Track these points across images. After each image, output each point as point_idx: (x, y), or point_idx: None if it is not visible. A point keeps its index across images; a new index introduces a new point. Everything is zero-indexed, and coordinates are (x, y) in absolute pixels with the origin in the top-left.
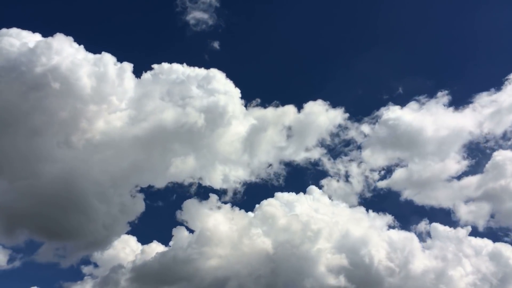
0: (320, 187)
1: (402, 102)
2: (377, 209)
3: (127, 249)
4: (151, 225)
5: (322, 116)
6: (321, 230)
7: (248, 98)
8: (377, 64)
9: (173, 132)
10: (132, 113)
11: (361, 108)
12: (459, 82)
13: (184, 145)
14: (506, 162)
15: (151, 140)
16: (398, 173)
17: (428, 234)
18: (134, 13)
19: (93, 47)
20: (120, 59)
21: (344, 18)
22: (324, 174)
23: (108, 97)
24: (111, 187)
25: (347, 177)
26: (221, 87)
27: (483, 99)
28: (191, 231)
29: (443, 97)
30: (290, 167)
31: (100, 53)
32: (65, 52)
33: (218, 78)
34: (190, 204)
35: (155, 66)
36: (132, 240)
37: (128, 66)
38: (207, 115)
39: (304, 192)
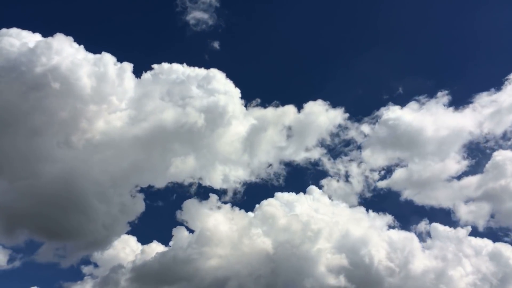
0: (320, 187)
1: (402, 102)
2: (377, 209)
3: (127, 249)
4: (151, 225)
5: (322, 116)
6: (321, 230)
7: (248, 98)
8: (377, 64)
9: (173, 132)
10: (132, 113)
11: (361, 108)
12: (459, 82)
13: (184, 145)
14: (506, 162)
15: (151, 140)
16: (398, 173)
17: (428, 234)
18: (134, 13)
19: (93, 47)
20: (120, 59)
21: (344, 18)
22: (324, 174)
23: (108, 97)
24: (111, 187)
25: (347, 177)
26: (221, 87)
27: (483, 99)
28: (191, 231)
29: (443, 97)
30: (290, 167)
31: (100, 53)
32: (65, 52)
33: (218, 78)
34: (190, 204)
35: (155, 66)
36: (132, 240)
37: (128, 66)
38: (207, 115)
39: (304, 192)
